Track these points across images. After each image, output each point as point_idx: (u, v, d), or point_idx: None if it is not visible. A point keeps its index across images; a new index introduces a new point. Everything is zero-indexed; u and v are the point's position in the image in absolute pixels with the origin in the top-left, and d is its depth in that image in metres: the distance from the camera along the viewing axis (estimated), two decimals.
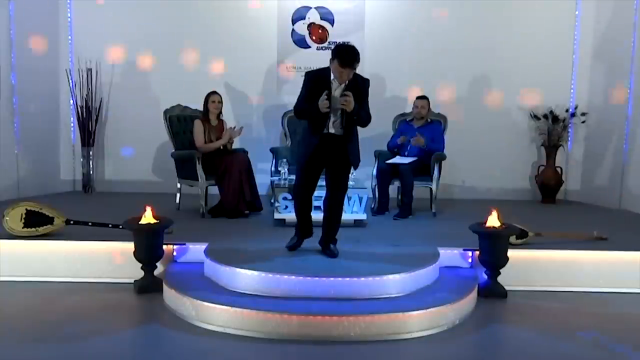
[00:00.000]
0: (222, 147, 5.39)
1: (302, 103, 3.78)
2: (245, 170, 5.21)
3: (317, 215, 4.14)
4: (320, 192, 4.07)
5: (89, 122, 6.41)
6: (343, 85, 3.65)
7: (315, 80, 3.72)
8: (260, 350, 3.05)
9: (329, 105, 3.61)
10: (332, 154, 3.77)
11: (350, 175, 5.01)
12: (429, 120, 5.73)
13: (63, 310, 3.52)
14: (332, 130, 3.73)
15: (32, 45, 6.19)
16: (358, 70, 3.73)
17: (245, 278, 3.54)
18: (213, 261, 3.75)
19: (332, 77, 3.68)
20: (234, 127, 5.42)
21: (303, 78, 3.81)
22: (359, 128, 3.83)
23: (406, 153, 5.59)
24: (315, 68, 3.89)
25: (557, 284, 4.05)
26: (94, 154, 6.52)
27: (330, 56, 3.66)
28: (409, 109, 6.02)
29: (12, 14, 5.93)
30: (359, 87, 3.69)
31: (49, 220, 4.21)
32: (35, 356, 2.92)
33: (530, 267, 4.06)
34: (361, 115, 3.69)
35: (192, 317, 3.37)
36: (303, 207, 3.98)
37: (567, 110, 6.44)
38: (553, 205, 6.33)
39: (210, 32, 6.50)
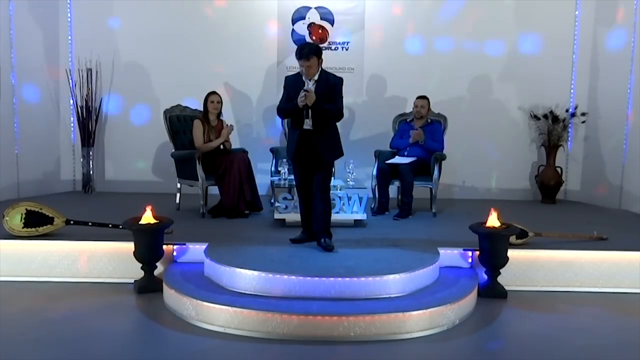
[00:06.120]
0: (221, 147, 5.39)
1: (283, 103, 4.14)
2: (245, 170, 5.22)
3: None
4: None
5: (89, 122, 6.41)
6: (313, 81, 3.93)
7: (291, 82, 4.08)
8: (260, 350, 3.06)
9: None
10: (309, 150, 4.03)
11: (350, 175, 5.07)
12: (429, 120, 5.72)
13: (63, 310, 3.52)
14: (306, 127, 4.00)
15: (32, 45, 6.18)
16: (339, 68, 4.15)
17: (245, 278, 3.54)
18: (213, 261, 3.75)
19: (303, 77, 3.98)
20: (227, 125, 5.43)
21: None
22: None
23: (406, 153, 5.59)
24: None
25: (557, 284, 4.05)
26: (94, 154, 6.51)
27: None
28: (409, 109, 6.02)
29: (12, 14, 5.94)
30: (330, 83, 3.99)
31: (49, 220, 4.21)
32: (35, 356, 2.92)
33: (530, 267, 4.06)
34: (324, 108, 3.93)
35: (192, 317, 3.37)
36: (303, 201, 4.24)
37: (567, 110, 6.43)
38: (553, 205, 6.33)
39: (211, 32, 6.50)
